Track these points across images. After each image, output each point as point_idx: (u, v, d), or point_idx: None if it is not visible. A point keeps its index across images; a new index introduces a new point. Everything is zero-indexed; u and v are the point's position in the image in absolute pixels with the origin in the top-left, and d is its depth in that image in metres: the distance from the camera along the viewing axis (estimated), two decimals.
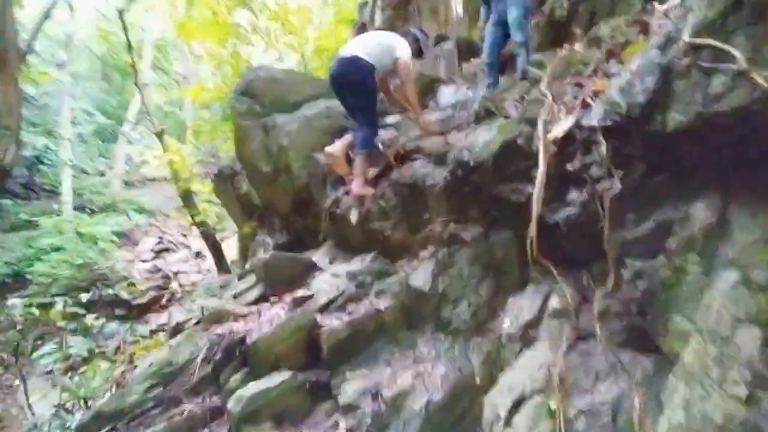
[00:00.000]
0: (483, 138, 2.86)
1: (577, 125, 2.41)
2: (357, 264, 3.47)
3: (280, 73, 4.74)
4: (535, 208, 2.33)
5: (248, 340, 2.52)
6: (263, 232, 6.18)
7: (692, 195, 1.95)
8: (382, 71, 3.65)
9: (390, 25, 8.35)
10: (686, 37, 1.78)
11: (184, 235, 16.43)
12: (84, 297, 8.46)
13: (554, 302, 2.52)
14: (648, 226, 2.07)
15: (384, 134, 4.35)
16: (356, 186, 3.51)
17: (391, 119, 4.81)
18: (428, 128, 3.81)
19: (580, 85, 2.84)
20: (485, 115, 3.30)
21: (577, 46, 3.43)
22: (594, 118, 2.27)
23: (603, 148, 2.17)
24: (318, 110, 4.57)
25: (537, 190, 2.35)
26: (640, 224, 2.09)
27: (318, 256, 3.88)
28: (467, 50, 6.34)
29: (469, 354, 2.70)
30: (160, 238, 16.51)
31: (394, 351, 2.78)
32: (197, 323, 3.26)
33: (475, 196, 2.82)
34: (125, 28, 10.00)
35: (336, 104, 4.78)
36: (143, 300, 12.26)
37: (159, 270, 14.12)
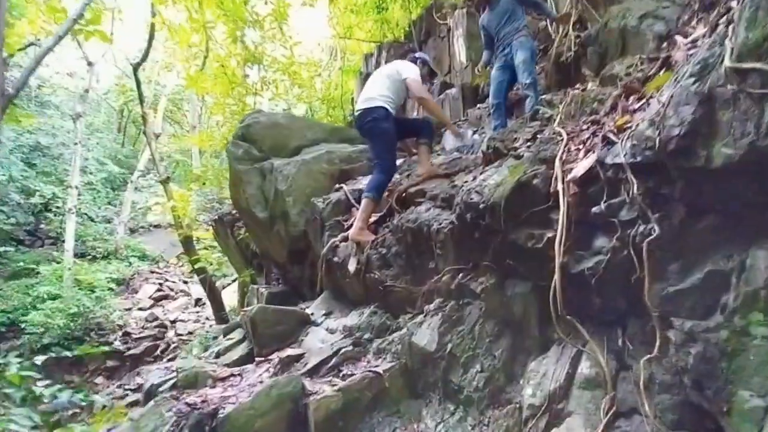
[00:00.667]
0: (493, 179, 2.60)
1: (600, 163, 2.15)
2: (354, 318, 3.12)
3: (281, 117, 4.64)
4: (558, 257, 2.02)
5: (221, 413, 2.13)
6: (262, 279, 5.85)
7: (749, 241, 1.63)
8: (399, 100, 3.64)
9: None
10: (728, 62, 1.55)
11: (186, 282, 16.09)
12: (39, 359, 7.98)
13: (585, 368, 2.12)
14: (696, 279, 1.74)
15: None
16: (354, 231, 3.29)
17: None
18: (434, 170, 3.60)
19: (597, 123, 2.63)
20: (494, 156, 3.07)
21: (590, 86, 3.26)
22: (620, 154, 2.02)
23: (634, 187, 1.89)
24: (317, 154, 4.41)
25: (559, 236, 2.05)
26: (686, 276, 1.76)
27: (313, 309, 3.52)
28: (472, 96, 6.31)
29: (484, 430, 2.27)
30: (160, 284, 16.18)
31: (396, 425, 2.36)
32: (173, 386, 2.86)
33: (487, 242, 2.52)
34: (138, 82, 10.33)
35: (338, 149, 4.64)
36: (137, 350, 11.72)
37: (156, 318, 13.66)
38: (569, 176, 2.22)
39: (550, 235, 2.22)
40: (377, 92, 3.55)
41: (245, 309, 3.59)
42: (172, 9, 8.59)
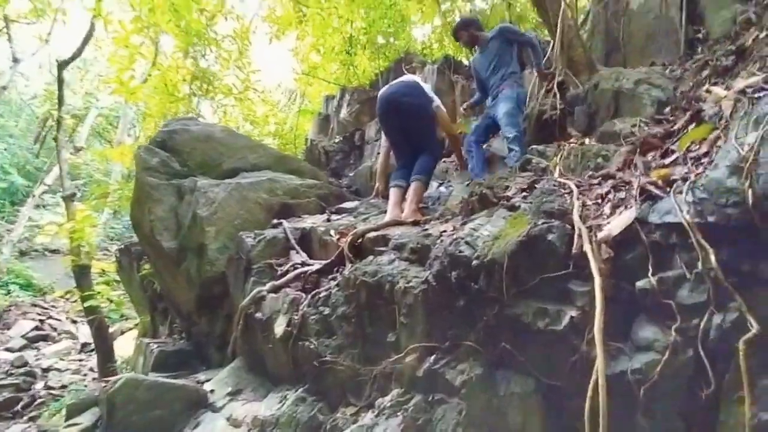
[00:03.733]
0: (487, 230, 1.96)
1: (641, 222, 1.58)
2: (273, 404, 2.17)
3: (219, 130, 3.81)
4: (600, 352, 1.33)
5: None
6: (165, 329, 4.61)
7: None
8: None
9: (356, 119, 8.08)
10: None
11: (75, 322, 13.52)
12: None
13: None
14: None
15: (336, 221, 3.39)
16: (407, 212, 3.01)
17: (348, 204, 3.92)
18: (406, 216, 2.93)
19: (612, 177, 2.13)
20: (480, 204, 2.46)
21: (587, 141, 2.87)
22: (674, 211, 1.46)
23: (711, 258, 1.31)
24: (257, 180, 3.60)
25: (599, 320, 1.38)
26: None
27: (215, 383, 2.51)
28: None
29: None
30: (41, 322, 13.47)
31: None
32: None
33: (475, 314, 1.80)
34: (61, 82, 9.03)
35: (284, 179, 3.87)
36: None
37: (25, 364, 11.04)
38: (600, 235, 1.63)
39: (572, 314, 1.56)
40: (418, 81, 3.39)
41: (108, 379, 2.49)
42: (119, 10, 7.72)
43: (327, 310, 2.29)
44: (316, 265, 2.80)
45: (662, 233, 1.52)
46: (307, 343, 2.24)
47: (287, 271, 2.82)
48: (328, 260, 2.76)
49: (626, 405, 1.40)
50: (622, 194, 1.89)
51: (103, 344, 8.64)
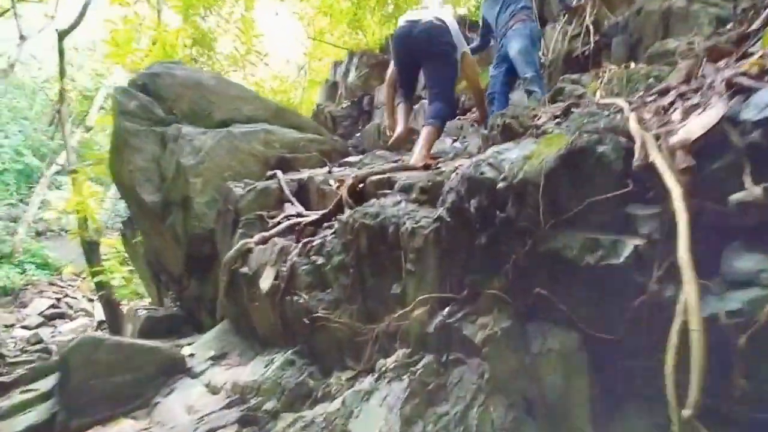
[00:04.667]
0: (514, 153, 1.55)
1: (732, 122, 1.15)
2: (258, 368, 1.85)
3: (209, 77, 3.44)
4: (691, 281, 0.93)
5: None
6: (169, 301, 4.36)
7: None
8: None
9: (364, 84, 7.63)
10: None
11: (91, 300, 13.64)
12: None
13: None
14: None
15: (338, 171, 3.02)
16: (416, 158, 2.66)
17: (352, 158, 3.54)
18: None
19: (670, 90, 1.69)
20: (503, 136, 2.04)
21: (633, 66, 2.40)
22: None
23: None
24: (251, 130, 3.23)
25: (683, 239, 0.97)
26: None
27: (197, 347, 2.21)
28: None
29: None
30: (57, 300, 13.63)
31: None
32: None
33: (501, 252, 1.41)
34: (62, 52, 8.76)
35: (281, 131, 3.49)
36: (8, 377, 9.30)
37: (40, 341, 11.14)
38: (674, 139, 1.21)
39: (636, 243, 1.16)
40: (445, 18, 3.05)
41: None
42: None
43: (321, 260, 1.93)
44: (313, 215, 2.44)
45: (763, 132, 1.10)
46: (296, 298, 1.89)
47: (279, 223, 2.47)
48: (326, 210, 2.39)
49: (716, 362, 1.00)
50: (694, 100, 1.46)
51: (113, 320, 8.57)
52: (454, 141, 4.28)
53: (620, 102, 1.74)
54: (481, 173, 1.45)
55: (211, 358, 2.08)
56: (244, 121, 3.47)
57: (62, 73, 9.04)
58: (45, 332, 11.57)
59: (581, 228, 1.29)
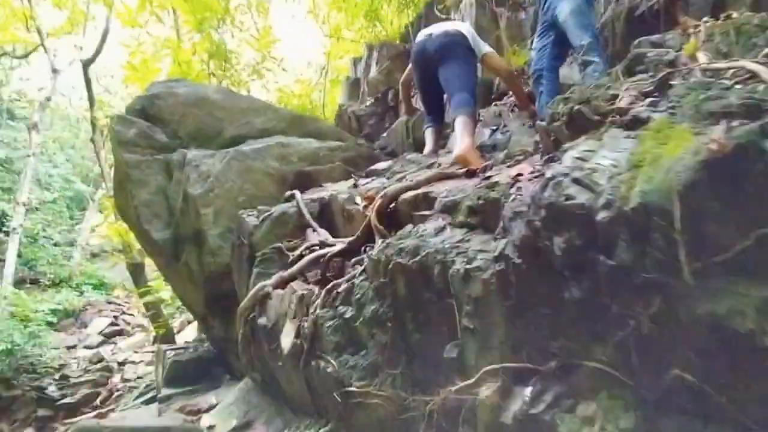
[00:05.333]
0: (609, 159, 1.06)
1: None
2: None
3: (213, 91, 3.11)
4: None
5: None
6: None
7: None
8: None
9: (387, 78, 7.16)
10: None
11: (147, 316, 14.17)
12: None
13: None
14: None
15: (365, 185, 2.61)
16: (463, 148, 2.41)
17: (380, 165, 3.11)
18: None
19: None
20: (572, 128, 1.54)
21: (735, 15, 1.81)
22: None
23: None
24: (263, 146, 2.89)
25: None
26: None
27: (219, 413, 1.86)
28: (485, 93, 4.90)
29: None
30: (115, 318, 14.22)
31: None
32: None
33: (608, 309, 0.94)
34: (88, 82, 8.92)
35: (298, 142, 3.14)
36: (73, 398, 9.75)
37: (101, 360, 11.62)
38: None
39: None
40: (460, 27, 3.12)
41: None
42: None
43: (349, 311, 1.52)
44: (338, 244, 2.04)
45: None
46: (324, 364, 1.49)
47: (300, 256, 2.09)
48: (353, 237, 1.98)
49: None
50: None
51: (164, 338, 8.72)
52: (494, 131, 3.75)
53: (749, 64, 1.21)
54: (567, 197, 0.97)
55: (235, 430, 1.74)
56: (258, 136, 3.12)
57: (91, 101, 9.23)
58: (106, 350, 12.06)
59: (748, 277, 0.80)
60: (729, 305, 0.80)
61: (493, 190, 1.50)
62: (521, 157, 1.82)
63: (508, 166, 1.77)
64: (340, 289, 1.60)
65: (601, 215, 0.91)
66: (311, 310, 1.59)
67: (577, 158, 1.14)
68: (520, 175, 1.49)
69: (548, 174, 1.10)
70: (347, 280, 1.66)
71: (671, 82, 1.45)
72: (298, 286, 1.77)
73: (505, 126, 3.81)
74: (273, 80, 8.11)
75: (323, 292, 1.62)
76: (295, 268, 1.98)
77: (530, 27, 5.80)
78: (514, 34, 6.02)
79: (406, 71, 3.31)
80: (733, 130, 0.83)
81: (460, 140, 2.53)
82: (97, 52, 8.69)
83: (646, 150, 1.03)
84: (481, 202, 1.48)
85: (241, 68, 7.84)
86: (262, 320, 1.82)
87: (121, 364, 11.79)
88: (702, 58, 1.49)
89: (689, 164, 0.84)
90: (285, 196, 2.64)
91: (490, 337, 1.20)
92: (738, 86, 1.23)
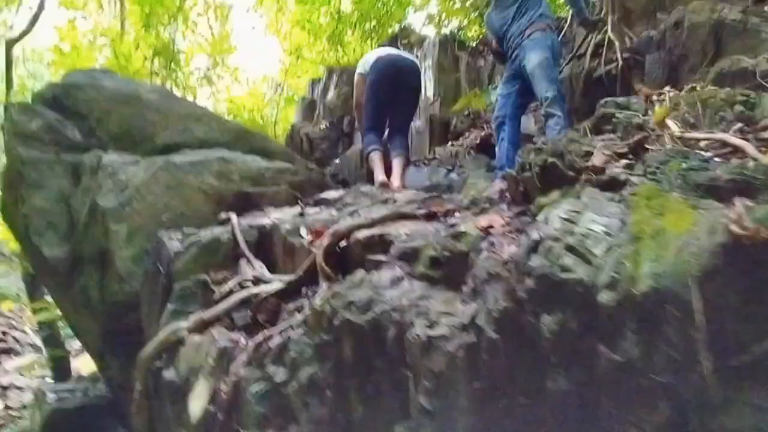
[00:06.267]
0: (601, 224, 0.93)
1: None
2: None
3: (148, 90, 2.74)
4: None
5: None
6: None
7: None
8: None
9: (345, 103, 7.06)
10: None
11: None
12: None
13: None
14: None
15: (312, 214, 2.38)
16: (399, 183, 2.84)
17: (331, 193, 2.88)
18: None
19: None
20: (544, 183, 1.44)
21: (699, 87, 1.86)
22: None
23: None
24: (202, 159, 2.56)
25: None
26: None
27: None
28: (442, 132, 4.92)
29: None
30: (3, 334, 12.23)
31: None
32: None
33: (608, 409, 0.77)
34: (9, 63, 7.87)
35: (243, 159, 2.85)
36: None
37: None
38: None
39: None
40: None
41: None
42: None
43: (281, 373, 1.24)
44: (276, 282, 1.76)
45: None
46: None
47: (229, 292, 1.78)
48: (294, 276, 1.72)
49: None
50: None
51: (59, 364, 7.49)
52: (450, 171, 3.70)
53: (732, 139, 1.17)
54: (563, 269, 0.81)
55: None
56: (196, 146, 2.77)
57: (9, 84, 8.12)
58: None
59: None
60: (749, 422, 0.66)
61: (460, 241, 1.34)
62: (485, 205, 1.69)
63: (474, 214, 1.63)
64: (272, 343, 1.32)
65: (605, 297, 0.75)
66: (233, 369, 1.29)
67: (565, 219, 1.00)
68: (490, 227, 1.35)
69: (533, 235, 0.94)
70: (281, 331, 1.39)
71: (646, 146, 1.41)
72: (220, 334, 1.46)
73: (461, 167, 3.79)
74: (224, 90, 7.66)
75: (251, 346, 1.32)
76: (219, 307, 1.65)
77: (487, 75, 6.04)
78: (473, 78, 6.24)
79: (358, 92, 3.26)
80: (755, 211, 0.73)
81: (398, 179, 2.86)
82: (26, 31, 7.69)
83: (643, 220, 0.91)
84: (446, 253, 1.31)
85: (189, 72, 7.36)
86: (169, 373, 1.47)
87: (5, 388, 10.03)
88: (672, 126, 1.48)
89: (706, 246, 0.72)
90: (219, 218, 2.31)
91: (451, 424, 0.99)
92: (717, 159, 1.19)
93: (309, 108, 7.79)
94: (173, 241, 1.96)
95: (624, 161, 1.40)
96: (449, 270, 1.29)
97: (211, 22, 6.68)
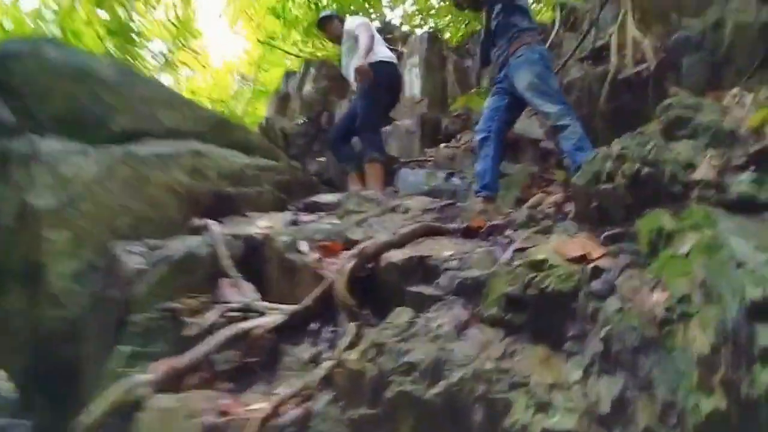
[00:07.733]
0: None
1: None
2: None
3: (106, 65, 2.20)
4: None
5: None
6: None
7: None
8: None
9: (322, 97, 6.62)
10: None
11: None
12: None
13: None
14: None
15: (309, 223, 1.99)
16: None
17: (325, 197, 2.47)
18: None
19: None
20: (635, 197, 1.13)
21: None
22: None
23: None
24: (171, 151, 2.09)
25: None
26: None
27: None
28: (433, 132, 4.61)
29: None
30: None
31: None
32: None
33: None
34: None
35: (220, 154, 2.41)
36: None
37: None
38: None
39: None
40: None
41: None
42: None
43: None
44: (274, 314, 1.35)
45: None
46: None
47: (212, 327, 1.34)
48: (301, 306, 1.32)
49: None
50: None
51: None
52: (450, 175, 3.38)
53: None
54: None
55: None
56: (163, 136, 2.28)
57: None
58: None
59: None
60: None
61: (547, 274, 0.99)
62: (548, 223, 1.35)
63: (535, 233, 1.29)
64: (287, 417, 0.91)
65: None
66: None
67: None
68: (585, 257, 1.01)
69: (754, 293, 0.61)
70: (295, 395, 0.98)
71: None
72: (202, 399, 1.02)
73: (461, 171, 3.49)
74: (187, 77, 6.99)
75: (254, 421, 0.90)
76: (198, 351, 1.21)
77: (475, 76, 5.81)
78: (460, 77, 6.00)
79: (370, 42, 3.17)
80: None
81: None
82: None
83: None
84: (531, 291, 0.96)
85: (149, 56, 6.66)
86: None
87: None
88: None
89: None
90: (192, 225, 1.85)
91: None
92: None
93: (282, 101, 7.29)
94: (132, 255, 1.49)
95: (747, 174, 1.11)
96: (536, 314, 0.95)
97: (174, 1, 6.03)
